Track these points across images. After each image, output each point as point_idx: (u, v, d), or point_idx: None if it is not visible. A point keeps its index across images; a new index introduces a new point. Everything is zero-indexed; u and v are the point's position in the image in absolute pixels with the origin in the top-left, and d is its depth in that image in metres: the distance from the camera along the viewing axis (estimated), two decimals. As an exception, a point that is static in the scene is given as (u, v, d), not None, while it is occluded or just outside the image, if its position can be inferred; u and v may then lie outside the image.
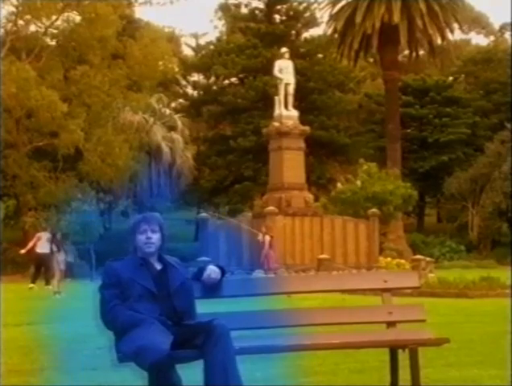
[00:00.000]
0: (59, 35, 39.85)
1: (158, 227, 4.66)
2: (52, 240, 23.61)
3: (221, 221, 32.59)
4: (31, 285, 24.17)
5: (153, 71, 40.65)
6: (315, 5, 47.76)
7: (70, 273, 22.66)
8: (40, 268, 25.37)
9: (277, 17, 50.95)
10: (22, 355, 8.28)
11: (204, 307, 4.81)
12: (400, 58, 45.09)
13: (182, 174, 43.30)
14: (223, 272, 4.87)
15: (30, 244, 25.58)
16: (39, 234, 25.69)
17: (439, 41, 42.08)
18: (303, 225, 28.49)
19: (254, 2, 51.33)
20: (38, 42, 38.46)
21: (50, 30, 39.50)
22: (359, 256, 28.56)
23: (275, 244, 26.33)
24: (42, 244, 25.04)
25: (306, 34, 51.89)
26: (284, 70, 30.82)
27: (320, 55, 49.89)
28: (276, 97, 31.02)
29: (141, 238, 4.62)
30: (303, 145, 30.19)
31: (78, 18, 38.84)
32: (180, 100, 54.04)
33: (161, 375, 4.30)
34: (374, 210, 29.37)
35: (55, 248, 22.36)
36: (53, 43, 40.25)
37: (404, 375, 5.21)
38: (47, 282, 24.30)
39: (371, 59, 47.53)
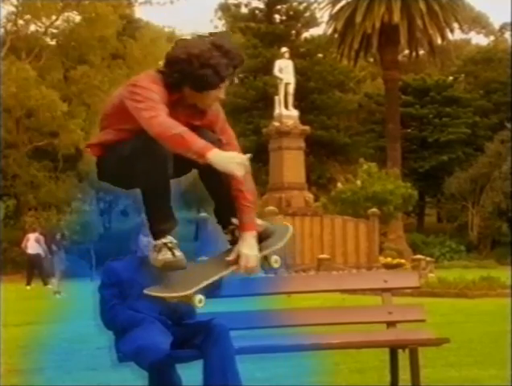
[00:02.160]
0: (59, 35, 39.88)
1: None
2: (52, 241, 23.66)
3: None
4: (27, 287, 24.19)
5: (153, 71, 40.67)
6: (315, 5, 47.75)
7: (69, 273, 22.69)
8: (33, 268, 25.39)
9: (277, 17, 50.94)
10: (22, 355, 8.29)
11: (204, 307, 4.81)
12: (400, 58, 45.05)
13: (182, 174, 43.28)
14: (223, 271, 4.87)
15: (22, 245, 25.79)
16: (28, 235, 25.76)
17: (439, 41, 42.05)
18: (303, 225, 28.47)
19: (254, 1, 51.37)
20: (38, 42, 38.49)
21: (50, 29, 39.55)
22: (359, 256, 28.54)
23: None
24: (31, 245, 25.10)
25: (306, 34, 51.93)
26: (284, 70, 30.83)
27: (320, 55, 49.87)
28: (276, 97, 31.02)
29: (143, 240, 4.62)
30: (303, 144, 30.20)
31: (78, 18, 38.89)
32: (180, 100, 53.99)
33: (161, 374, 4.31)
34: (374, 210, 29.35)
35: (54, 248, 22.39)
36: (53, 42, 40.29)
37: (404, 375, 5.21)
38: (45, 282, 24.33)
39: (371, 59, 47.48)
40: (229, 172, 3.62)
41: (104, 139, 3.99)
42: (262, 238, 4.10)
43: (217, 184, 4.00)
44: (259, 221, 4.14)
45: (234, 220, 4.06)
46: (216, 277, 4.06)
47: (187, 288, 3.94)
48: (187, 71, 3.77)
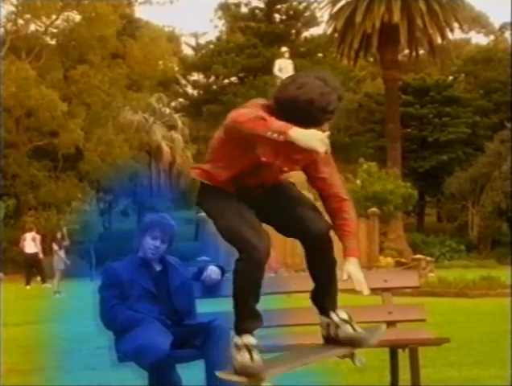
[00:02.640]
0: (59, 35, 39.86)
1: (169, 238, 4.63)
2: (53, 240, 23.74)
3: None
4: (27, 286, 24.28)
5: (153, 71, 40.66)
6: (315, 4, 47.75)
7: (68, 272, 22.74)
8: (31, 268, 25.53)
9: (277, 16, 50.97)
10: (22, 355, 8.29)
11: (204, 307, 4.81)
12: (400, 57, 45.02)
13: (182, 174, 43.31)
14: (223, 271, 4.86)
15: (20, 245, 25.93)
16: (24, 235, 25.86)
17: (439, 40, 42.02)
18: (303, 225, 28.43)
19: (254, 1, 51.41)
20: (38, 41, 38.47)
21: (50, 29, 39.51)
22: (359, 255, 28.51)
23: (275, 243, 26.31)
24: (28, 244, 25.24)
25: (306, 34, 51.95)
26: (284, 69, 30.89)
27: (320, 55, 49.90)
28: (276, 97, 31.03)
29: (150, 242, 4.59)
30: (303, 144, 30.17)
31: (78, 18, 38.86)
32: (180, 100, 54.06)
33: (161, 374, 4.30)
34: (374, 209, 29.32)
35: (55, 247, 22.45)
36: (53, 42, 40.26)
37: (404, 375, 5.21)
38: (43, 281, 24.48)
39: (371, 59, 47.46)
40: (311, 148, 3.55)
41: (212, 172, 4.02)
42: None
43: (321, 264, 4.05)
44: None
45: (334, 316, 4.11)
46: (293, 367, 4.02)
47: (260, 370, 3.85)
48: (301, 111, 3.72)
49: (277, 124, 3.56)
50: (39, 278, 25.40)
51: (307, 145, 3.53)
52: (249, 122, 3.58)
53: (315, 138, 3.53)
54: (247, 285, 3.84)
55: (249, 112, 3.65)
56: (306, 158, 3.87)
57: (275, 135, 3.53)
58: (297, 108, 3.70)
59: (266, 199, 4.02)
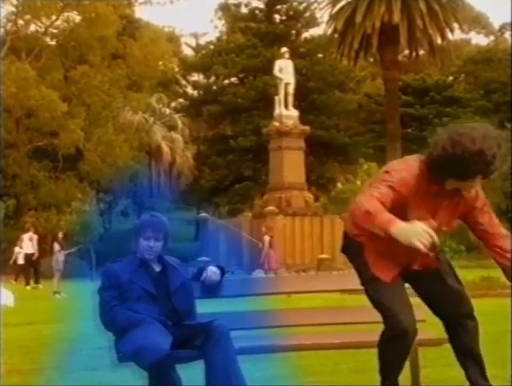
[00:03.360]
0: (59, 35, 39.91)
1: (163, 235, 4.62)
2: (54, 239, 23.80)
3: (221, 221, 32.67)
4: (27, 287, 24.33)
5: (153, 71, 40.71)
6: (315, 5, 47.69)
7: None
8: (28, 268, 25.60)
9: (277, 17, 50.99)
10: (22, 355, 8.28)
11: (204, 307, 4.80)
12: (400, 58, 45.01)
13: (182, 174, 43.36)
14: (223, 272, 4.86)
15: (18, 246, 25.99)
16: (22, 236, 25.92)
17: (439, 41, 42.01)
18: (303, 225, 28.47)
19: (254, 1, 51.43)
20: (38, 42, 38.52)
21: (50, 29, 39.57)
22: (359, 255, 28.49)
23: (275, 244, 26.34)
24: (26, 244, 25.32)
25: (306, 34, 51.98)
26: (284, 70, 30.86)
27: (320, 55, 49.89)
28: (276, 97, 31.05)
29: (143, 243, 4.59)
30: (303, 144, 30.22)
31: (78, 18, 38.91)
32: (180, 100, 54.08)
33: (161, 375, 4.30)
34: (374, 210, 29.33)
35: (57, 247, 22.47)
36: (53, 42, 40.32)
37: (404, 375, 5.20)
38: (37, 281, 24.57)
39: (371, 59, 47.42)
40: (410, 244, 3.64)
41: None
42: None
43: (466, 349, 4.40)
44: None
45: None
46: None
47: None
48: (468, 164, 3.76)
49: (380, 219, 3.70)
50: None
51: (407, 242, 3.64)
52: (361, 217, 3.78)
53: (415, 235, 3.62)
54: (390, 369, 4.36)
55: (361, 205, 3.78)
56: (464, 209, 4.01)
57: (377, 230, 3.72)
58: (465, 161, 3.74)
59: (420, 281, 4.27)
